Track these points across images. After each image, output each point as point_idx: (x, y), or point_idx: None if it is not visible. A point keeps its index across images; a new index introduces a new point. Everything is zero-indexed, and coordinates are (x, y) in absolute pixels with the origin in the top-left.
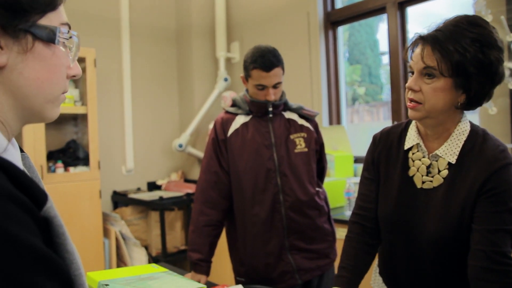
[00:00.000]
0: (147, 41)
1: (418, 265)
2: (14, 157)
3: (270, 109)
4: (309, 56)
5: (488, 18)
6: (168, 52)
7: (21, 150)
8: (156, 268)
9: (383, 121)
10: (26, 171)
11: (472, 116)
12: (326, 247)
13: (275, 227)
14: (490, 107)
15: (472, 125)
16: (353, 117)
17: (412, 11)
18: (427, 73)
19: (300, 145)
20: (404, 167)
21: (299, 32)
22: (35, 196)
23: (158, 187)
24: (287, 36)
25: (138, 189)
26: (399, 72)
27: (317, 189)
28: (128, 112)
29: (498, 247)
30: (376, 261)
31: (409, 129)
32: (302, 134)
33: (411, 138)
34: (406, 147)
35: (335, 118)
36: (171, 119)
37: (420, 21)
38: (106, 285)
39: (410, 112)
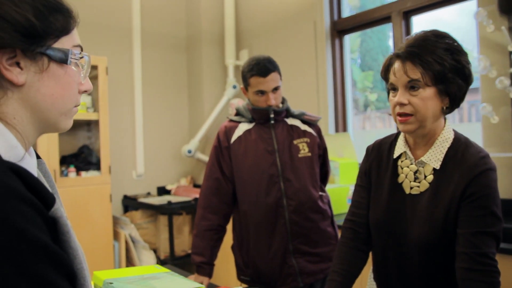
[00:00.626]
0: (158, 49)
1: (408, 268)
2: (30, 165)
3: (272, 115)
4: (316, 64)
5: (490, 29)
6: (178, 59)
7: (38, 157)
8: (158, 269)
9: (395, 128)
10: (41, 176)
11: (475, 125)
12: (329, 250)
13: (278, 231)
14: (492, 116)
15: (456, 133)
16: (365, 123)
17: (419, 19)
18: (412, 85)
19: (304, 150)
20: (393, 175)
21: (306, 40)
22: (45, 199)
23: (168, 192)
24: (294, 44)
25: (148, 194)
26: None
27: (321, 193)
28: (139, 118)
29: (480, 249)
30: (371, 267)
31: (398, 139)
32: (305, 139)
33: (399, 147)
34: (395, 156)
35: (341, 125)
36: (181, 125)
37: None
38: (111, 283)
39: (402, 126)
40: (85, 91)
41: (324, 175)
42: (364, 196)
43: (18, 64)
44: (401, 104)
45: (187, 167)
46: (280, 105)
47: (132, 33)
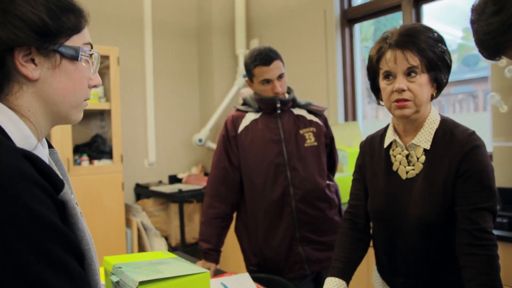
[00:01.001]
0: (169, 38)
1: (410, 251)
2: (42, 153)
3: (278, 105)
4: (326, 53)
5: None
6: (189, 49)
7: (51, 146)
8: (166, 255)
9: None
10: (53, 164)
11: (484, 114)
12: (336, 239)
13: (285, 220)
14: (501, 106)
15: (441, 116)
16: (378, 112)
17: (429, 7)
18: (410, 72)
19: (310, 139)
20: (387, 164)
21: (316, 30)
22: (55, 183)
23: (179, 180)
24: (304, 33)
25: (160, 182)
26: None
27: (328, 182)
28: (151, 108)
29: (478, 224)
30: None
31: (388, 129)
32: (312, 129)
33: (389, 136)
34: (385, 145)
35: (350, 114)
36: (192, 114)
37: (437, 16)
38: (120, 267)
39: (399, 111)
40: (95, 86)
41: (331, 164)
42: (360, 188)
43: (33, 60)
44: (402, 91)
45: (198, 156)
46: (287, 95)
47: (143, 23)
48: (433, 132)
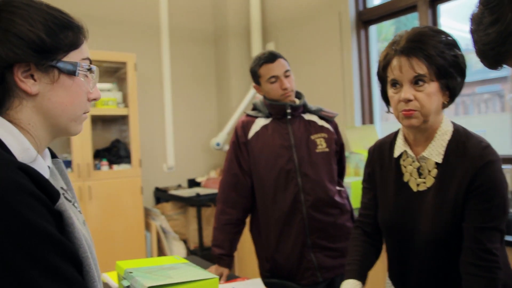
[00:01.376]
0: (186, 44)
1: (420, 264)
2: (41, 165)
3: (289, 111)
4: (341, 56)
5: None
6: (206, 53)
7: (55, 156)
8: (178, 260)
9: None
10: (57, 174)
11: (504, 116)
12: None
13: (296, 226)
14: None
15: (454, 125)
16: None
17: (446, 6)
18: (417, 80)
19: (321, 145)
20: (398, 174)
21: (331, 32)
22: (50, 194)
23: (198, 184)
24: (319, 36)
25: (179, 186)
26: None
27: (339, 188)
28: (169, 112)
29: (484, 244)
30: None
31: (397, 138)
32: (323, 135)
33: (399, 146)
34: (395, 155)
35: (367, 117)
36: (209, 118)
37: (455, 15)
38: (130, 272)
39: (406, 121)
40: (94, 99)
41: (341, 170)
42: (370, 197)
43: (32, 76)
44: (408, 101)
45: (216, 160)
46: (297, 101)
47: (160, 29)
48: (445, 144)
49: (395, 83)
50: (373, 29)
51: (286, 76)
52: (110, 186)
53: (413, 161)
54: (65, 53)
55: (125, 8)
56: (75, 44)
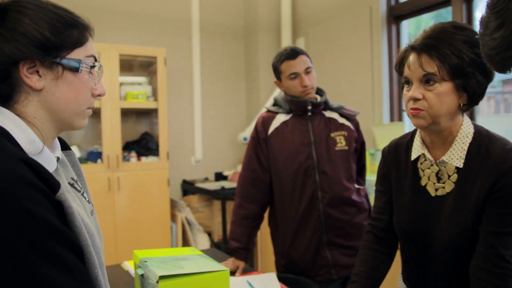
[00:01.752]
0: (216, 38)
1: (437, 270)
2: (48, 156)
3: (309, 107)
4: (371, 51)
5: None
6: (236, 48)
7: (68, 148)
8: (193, 251)
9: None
10: (68, 165)
11: None
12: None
13: (313, 223)
14: None
15: (475, 126)
16: None
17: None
18: (428, 79)
19: (341, 143)
20: (415, 177)
21: (361, 27)
22: (51, 184)
23: (225, 178)
24: (350, 31)
25: (206, 179)
26: None
27: (357, 186)
28: (198, 107)
29: (497, 249)
30: (400, 269)
31: (415, 139)
32: (343, 133)
33: (416, 148)
34: (413, 158)
35: (396, 114)
36: (238, 113)
37: None
38: (145, 261)
39: (414, 120)
40: (99, 95)
41: (360, 169)
42: (384, 201)
43: (37, 72)
44: (415, 99)
45: (243, 154)
46: (318, 98)
47: (191, 24)
48: (466, 148)
49: (407, 81)
50: (405, 24)
51: (307, 73)
52: (138, 178)
53: (432, 165)
54: (70, 50)
55: (158, 3)
56: (79, 42)
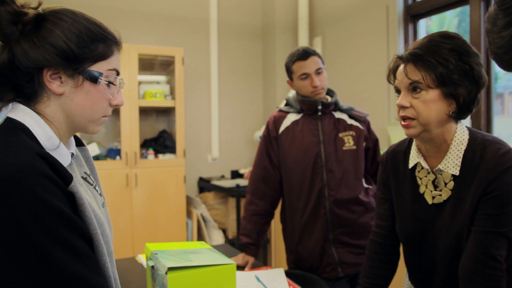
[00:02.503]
0: (234, 38)
1: (442, 272)
2: (63, 152)
3: (320, 107)
4: (387, 51)
5: None
6: (253, 48)
7: (83, 144)
8: (203, 245)
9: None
10: (82, 160)
11: None
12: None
13: (319, 221)
14: None
15: (470, 133)
16: None
17: None
18: (414, 87)
19: (349, 143)
20: (413, 185)
21: (378, 26)
22: (64, 177)
23: (241, 176)
24: (366, 30)
25: (222, 177)
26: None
27: (366, 186)
28: (215, 105)
29: (488, 249)
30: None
31: (412, 147)
32: (351, 133)
33: (413, 157)
34: (410, 166)
35: None
36: (255, 112)
37: None
38: (156, 254)
39: (406, 131)
40: (116, 105)
41: (376, 167)
42: (386, 207)
43: (60, 78)
44: (403, 107)
45: None
46: (329, 98)
47: (209, 24)
48: (461, 155)
49: (397, 90)
50: (422, 23)
51: (318, 74)
52: (155, 174)
53: (428, 173)
54: (93, 62)
55: (177, 4)
56: (104, 56)
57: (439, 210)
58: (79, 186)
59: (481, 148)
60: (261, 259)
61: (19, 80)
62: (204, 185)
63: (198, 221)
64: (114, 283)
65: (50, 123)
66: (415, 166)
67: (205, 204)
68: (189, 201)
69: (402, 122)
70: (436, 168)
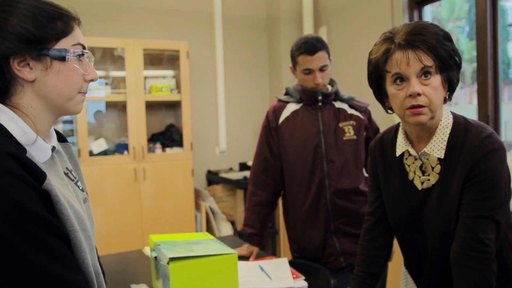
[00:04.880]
0: (239, 31)
1: (431, 259)
2: (41, 147)
3: (320, 97)
4: None
5: None
6: (258, 39)
7: (66, 141)
8: (206, 236)
9: (508, 101)
10: (64, 156)
11: None
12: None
13: (320, 211)
14: None
15: (454, 117)
16: (472, 97)
17: None
18: (425, 72)
19: (349, 132)
20: (402, 173)
21: (383, 14)
22: (37, 175)
23: (249, 168)
24: (371, 18)
25: (230, 169)
26: (487, 51)
27: (367, 175)
28: (221, 98)
29: (475, 233)
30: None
31: (398, 135)
32: (351, 122)
33: (400, 145)
34: (397, 154)
35: None
36: (261, 104)
37: None
38: (159, 245)
39: (414, 118)
40: (91, 80)
41: None
42: (376, 196)
43: (28, 65)
44: (416, 95)
45: None
46: (329, 88)
47: (213, 17)
48: (446, 138)
49: (398, 78)
50: (427, 9)
51: (322, 71)
52: (163, 168)
53: (416, 159)
54: (56, 41)
55: None
56: (64, 32)
57: (428, 195)
58: (58, 181)
59: (464, 131)
60: (270, 250)
61: None
62: (213, 178)
63: (207, 214)
64: (96, 278)
65: (25, 117)
66: (402, 154)
67: (213, 196)
68: (197, 194)
69: (411, 110)
70: (422, 151)
